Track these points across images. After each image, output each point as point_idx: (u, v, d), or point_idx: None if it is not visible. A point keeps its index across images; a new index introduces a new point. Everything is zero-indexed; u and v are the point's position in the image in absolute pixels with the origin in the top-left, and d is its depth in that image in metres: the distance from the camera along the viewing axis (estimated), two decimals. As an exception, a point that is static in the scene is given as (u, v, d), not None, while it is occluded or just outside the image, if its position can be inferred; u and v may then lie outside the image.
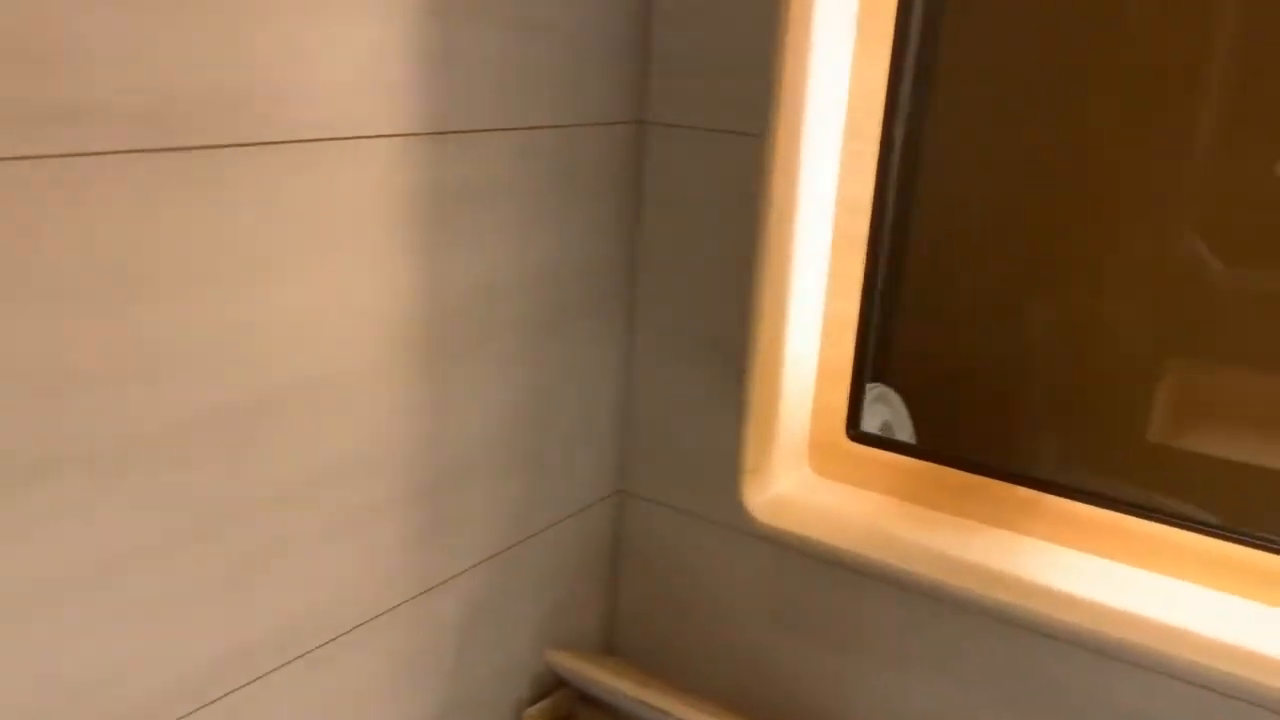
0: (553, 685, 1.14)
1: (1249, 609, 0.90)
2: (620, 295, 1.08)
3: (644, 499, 1.13)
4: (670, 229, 1.05)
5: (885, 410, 1.69)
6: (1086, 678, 0.92)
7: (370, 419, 0.86)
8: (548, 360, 1.02)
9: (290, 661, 0.86)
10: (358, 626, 0.90)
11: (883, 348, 1.86)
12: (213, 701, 0.80)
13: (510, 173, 0.92)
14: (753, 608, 1.08)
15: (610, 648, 1.20)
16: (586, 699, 1.13)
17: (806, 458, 1.06)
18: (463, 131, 0.87)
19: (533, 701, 1.11)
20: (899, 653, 1.01)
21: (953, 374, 1.79)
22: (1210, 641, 0.84)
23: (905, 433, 1.70)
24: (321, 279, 0.80)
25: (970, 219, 1.26)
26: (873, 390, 1.65)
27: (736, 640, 1.10)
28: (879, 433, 1.60)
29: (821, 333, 1.03)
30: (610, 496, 1.14)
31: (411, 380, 0.89)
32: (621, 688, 1.05)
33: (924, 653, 0.99)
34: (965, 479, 1.00)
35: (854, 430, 1.04)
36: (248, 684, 0.83)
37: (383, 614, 0.92)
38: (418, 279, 0.87)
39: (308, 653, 0.87)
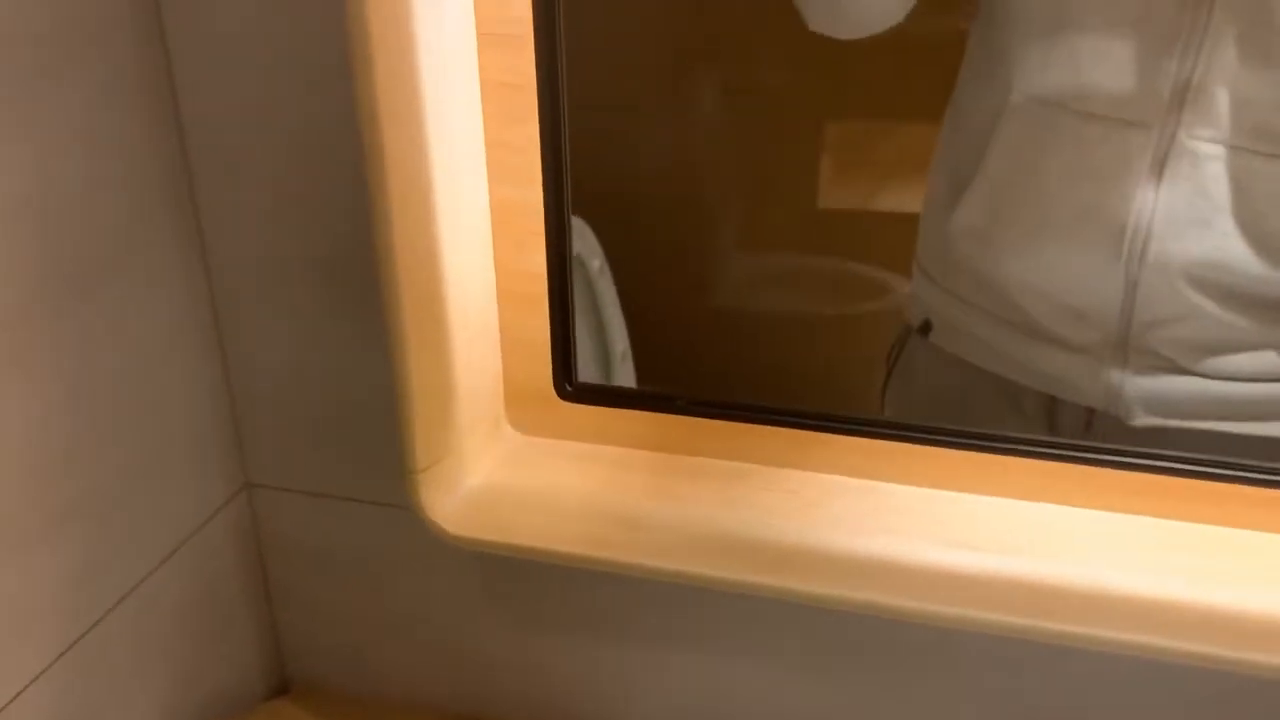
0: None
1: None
2: (174, 219, 0.69)
3: (286, 490, 0.79)
4: (227, 107, 0.67)
5: (575, 242, 1.40)
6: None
7: None
8: (77, 340, 0.64)
9: None
10: None
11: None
12: None
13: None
14: (463, 611, 0.78)
15: (282, 686, 0.88)
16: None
17: (504, 413, 0.74)
18: None
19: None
20: (660, 639, 0.76)
21: (628, 185, 1.63)
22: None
23: (598, 260, 1.44)
24: None
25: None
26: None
27: (450, 649, 0.81)
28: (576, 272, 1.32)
29: (494, 228, 0.69)
30: (237, 496, 0.79)
31: None
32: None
33: (692, 636, 0.75)
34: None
35: (568, 384, 0.71)
36: None
37: None
38: None
39: None
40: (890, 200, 1.56)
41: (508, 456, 0.72)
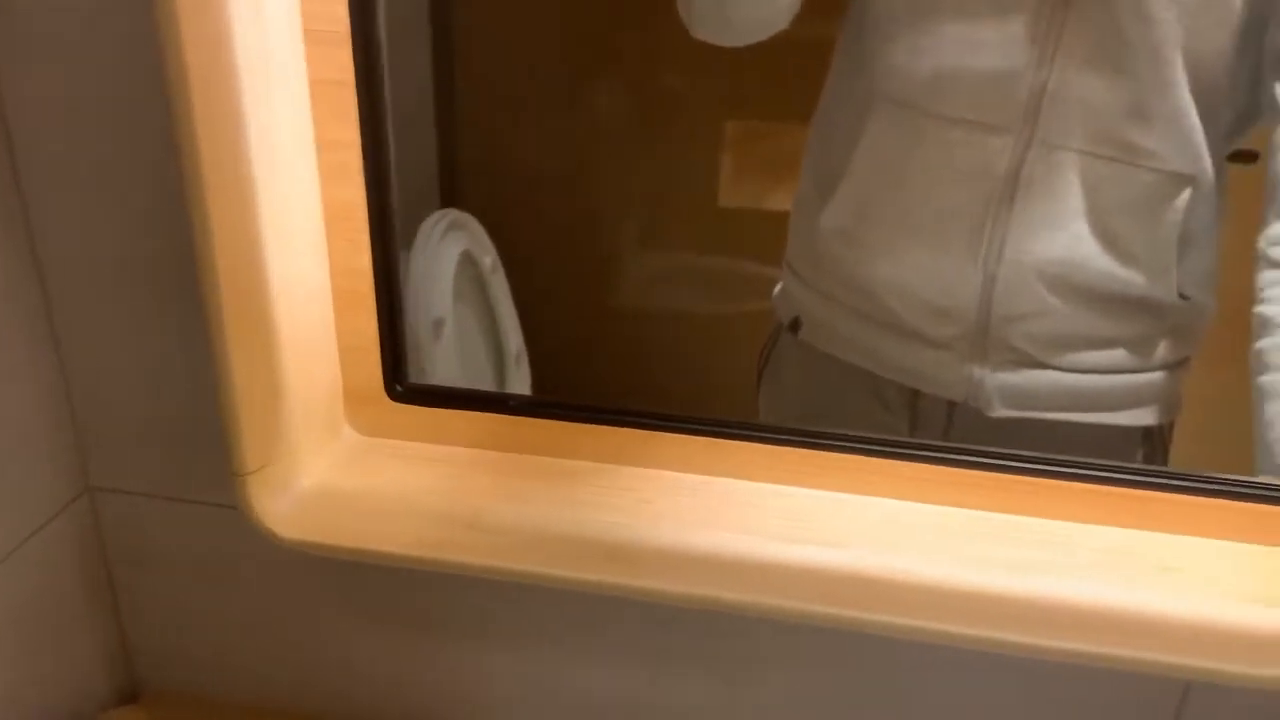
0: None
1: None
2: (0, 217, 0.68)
3: (128, 493, 0.78)
4: (49, 103, 0.66)
5: (464, 238, 1.40)
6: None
7: None
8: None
9: None
10: None
11: (446, 170, 1.59)
12: None
13: None
14: (308, 612, 0.78)
15: (131, 692, 0.86)
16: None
17: (344, 414, 0.74)
18: None
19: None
20: (507, 637, 0.76)
21: (523, 184, 1.64)
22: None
23: (489, 257, 1.44)
24: None
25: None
26: (445, 217, 1.35)
27: (297, 651, 0.80)
28: (457, 268, 1.32)
29: (329, 228, 0.69)
30: (78, 499, 0.78)
31: None
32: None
33: (538, 633, 0.75)
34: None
35: (399, 384, 0.71)
36: None
37: None
38: None
39: None
40: (788, 199, 1.58)
41: (346, 458, 0.72)
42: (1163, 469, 0.69)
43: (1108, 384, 0.89)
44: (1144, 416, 0.91)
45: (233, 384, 0.63)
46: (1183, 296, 0.85)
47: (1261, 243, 0.80)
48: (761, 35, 0.86)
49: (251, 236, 0.63)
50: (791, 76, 0.97)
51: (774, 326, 1.04)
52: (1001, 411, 0.90)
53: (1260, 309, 0.80)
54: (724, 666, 0.73)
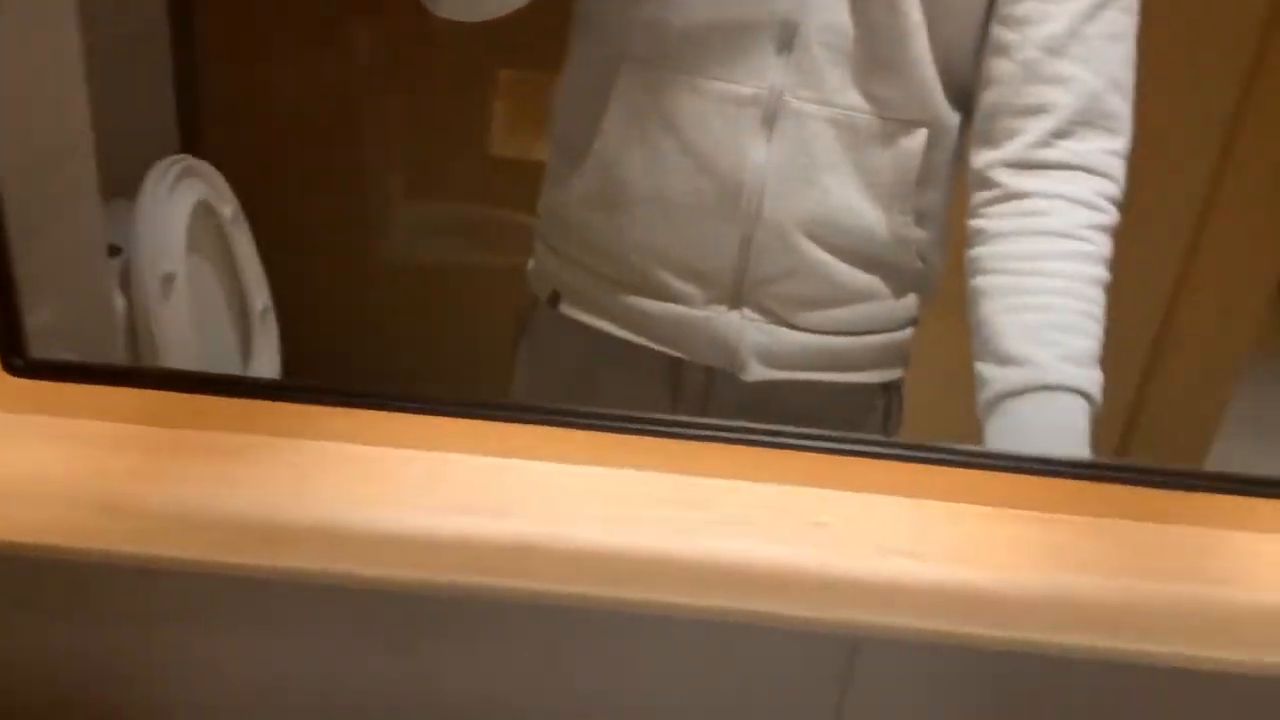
0: None
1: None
2: None
3: None
4: None
5: (200, 187, 1.31)
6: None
7: None
8: None
9: None
10: None
11: (185, 113, 1.49)
12: None
13: None
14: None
15: None
16: None
17: (-21, 388, 0.66)
18: None
19: None
20: (169, 622, 0.69)
21: (275, 129, 1.54)
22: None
23: (230, 208, 1.35)
24: None
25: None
26: (177, 164, 1.26)
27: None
28: (191, 219, 1.24)
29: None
30: None
31: None
32: None
33: (202, 617, 0.69)
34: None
35: (18, 358, 0.63)
36: None
37: None
38: None
39: None
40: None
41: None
42: (809, 431, 0.68)
43: (856, 344, 0.90)
44: (886, 374, 0.93)
45: None
46: (922, 260, 0.87)
47: (977, 163, 0.81)
48: (506, 9, 0.82)
49: None
50: (567, 24, 0.93)
51: (528, 300, 1.01)
52: (757, 374, 0.89)
53: (974, 222, 0.81)
54: (401, 639, 0.70)
